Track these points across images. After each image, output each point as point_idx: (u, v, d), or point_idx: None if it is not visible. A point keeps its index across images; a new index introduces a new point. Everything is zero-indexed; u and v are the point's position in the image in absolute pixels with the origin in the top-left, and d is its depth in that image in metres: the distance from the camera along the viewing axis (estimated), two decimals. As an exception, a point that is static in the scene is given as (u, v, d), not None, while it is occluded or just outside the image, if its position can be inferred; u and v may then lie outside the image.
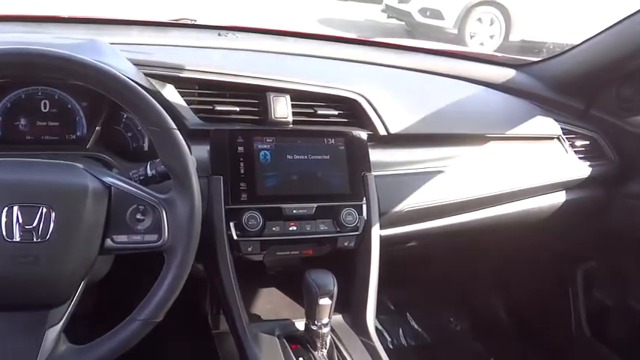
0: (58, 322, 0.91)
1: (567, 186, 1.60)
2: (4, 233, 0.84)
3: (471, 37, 7.39)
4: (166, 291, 0.92)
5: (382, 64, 1.65)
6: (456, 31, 7.32)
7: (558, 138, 1.59)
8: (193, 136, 1.14)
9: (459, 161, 1.43)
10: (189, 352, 1.53)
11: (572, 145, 1.61)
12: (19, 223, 0.84)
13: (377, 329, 1.22)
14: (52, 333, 0.90)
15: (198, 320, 1.47)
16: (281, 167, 1.20)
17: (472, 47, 7.04)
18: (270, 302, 1.32)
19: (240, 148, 1.19)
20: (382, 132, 1.33)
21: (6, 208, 0.84)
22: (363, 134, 1.30)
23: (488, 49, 7.12)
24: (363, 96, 1.33)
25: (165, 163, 0.96)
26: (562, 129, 1.59)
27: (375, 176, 1.28)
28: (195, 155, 0.99)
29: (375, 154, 1.30)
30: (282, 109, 1.26)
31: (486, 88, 1.67)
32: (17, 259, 0.84)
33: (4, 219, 0.84)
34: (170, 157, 0.94)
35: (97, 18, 1.57)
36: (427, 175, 1.38)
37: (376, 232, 1.25)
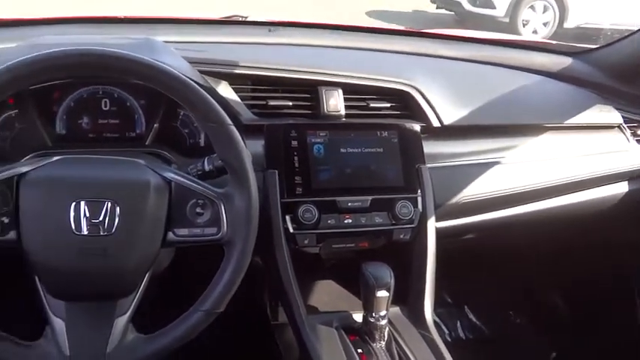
0: (126, 312, 0.95)
1: (629, 176, 1.54)
2: (73, 227, 0.87)
3: (524, 25, 7.20)
4: (227, 283, 0.94)
5: (434, 55, 1.63)
6: (507, 20, 7.16)
7: (619, 127, 1.54)
8: (248, 131, 1.15)
9: (516, 152, 1.41)
10: (249, 343, 1.55)
11: (634, 134, 1.56)
12: (87, 218, 0.88)
13: (434, 322, 1.21)
14: (121, 322, 0.94)
15: (256, 311, 1.49)
16: (335, 160, 1.21)
17: (525, 35, 6.87)
18: (328, 294, 1.33)
19: (294, 142, 1.20)
20: (435, 124, 1.32)
21: (74, 203, 0.88)
22: (416, 126, 1.29)
23: (542, 37, 6.95)
24: (415, 88, 1.32)
25: (223, 158, 0.98)
26: (623, 117, 1.54)
27: (430, 168, 1.27)
28: (249, 150, 1.00)
29: (429, 146, 1.30)
30: (334, 103, 1.26)
31: (542, 77, 1.63)
32: (86, 252, 0.88)
33: (72, 213, 0.87)
34: (227, 153, 0.96)
35: (151, 17, 1.60)
36: (483, 167, 1.36)
37: (432, 225, 1.24)
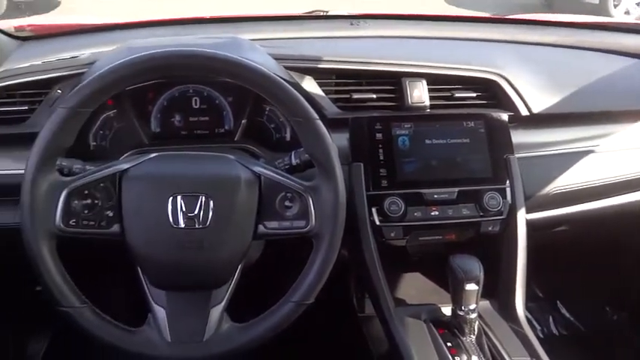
0: (221, 302, 0.99)
1: None
2: (170, 220, 0.92)
3: (615, 6, 6.83)
4: (316, 275, 0.96)
5: (520, 42, 1.57)
6: (597, 1, 6.80)
7: None
8: (332, 125, 1.15)
9: (610, 140, 1.35)
10: (336, 334, 1.57)
11: None
12: (183, 211, 0.92)
13: (526, 317, 1.18)
14: (216, 311, 0.98)
15: (343, 303, 1.50)
16: (420, 152, 1.20)
17: (617, 17, 6.51)
18: (415, 287, 1.33)
19: (379, 135, 1.20)
20: (524, 112, 1.29)
21: (171, 198, 0.92)
22: (504, 115, 1.26)
23: (635, 18, 6.57)
24: (502, 76, 1.30)
25: (310, 152, 1.00)
26: None
27: (519, 158, 1.24)
28: (335, 143, 1.01)
29: (518, 136, 1.26)
30: (418, 94, 1.26)
31: (637, 61, 1.54)
32: (183, 245, 0.93)
33: (170, 207, 0.92)
34: (314, 147, 0.98)
35: (236, 16, 1.65)
36: (575, 156, 1.31)
37: (522, 217, 1.21)
